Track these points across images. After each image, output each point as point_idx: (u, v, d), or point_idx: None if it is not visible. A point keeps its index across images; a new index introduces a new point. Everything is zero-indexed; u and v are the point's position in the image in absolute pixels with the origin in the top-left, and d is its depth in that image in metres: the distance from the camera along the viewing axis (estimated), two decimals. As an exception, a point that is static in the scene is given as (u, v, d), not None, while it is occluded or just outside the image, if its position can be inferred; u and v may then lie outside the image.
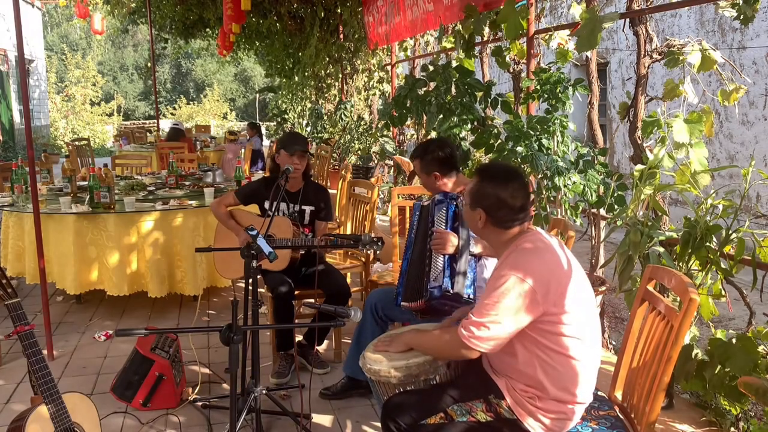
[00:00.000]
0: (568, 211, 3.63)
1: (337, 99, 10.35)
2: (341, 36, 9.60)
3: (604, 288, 3.43)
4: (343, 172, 5.71)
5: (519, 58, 4.68)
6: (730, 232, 2.71)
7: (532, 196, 3.34)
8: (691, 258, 2.83)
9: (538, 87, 3.84)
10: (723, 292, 2.86)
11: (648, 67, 3.41)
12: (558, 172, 3.47)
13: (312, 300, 3.63)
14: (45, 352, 3.64)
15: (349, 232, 4.46)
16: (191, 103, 29.46)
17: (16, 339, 2.80)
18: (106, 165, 6.55)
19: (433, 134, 4.69)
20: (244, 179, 5.21)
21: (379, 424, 2.37)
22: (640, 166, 3.12)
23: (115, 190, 4.80)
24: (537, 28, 4.19)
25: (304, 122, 11.88)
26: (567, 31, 4.31)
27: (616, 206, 3.46)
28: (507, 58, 4.71)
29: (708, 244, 2.75)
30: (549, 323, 1.90)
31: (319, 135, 10.19)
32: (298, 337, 3.73)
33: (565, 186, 3.48)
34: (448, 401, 2.05)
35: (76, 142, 9.50)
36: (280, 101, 14.03)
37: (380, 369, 2.11)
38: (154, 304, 4.60)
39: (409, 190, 4.74)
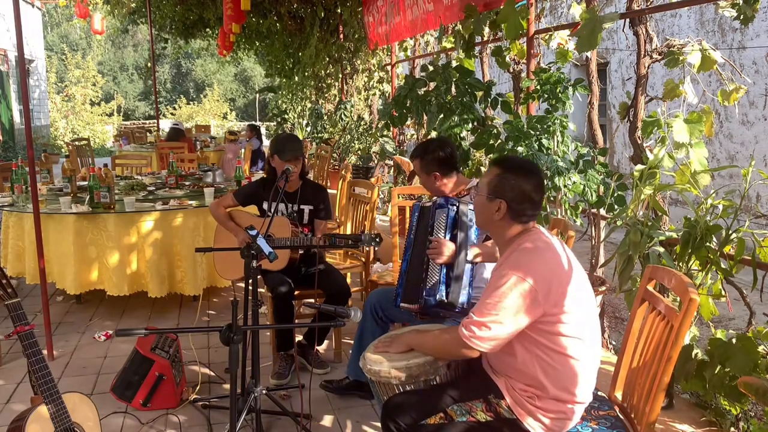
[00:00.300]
0: (568, 211, 3.63)
1: (337, 99, 10.35)
2: (341, 36, 9.60)
3: (604, 288, 3.43)
4: (343, 172, 5.70)
5: (519, 58, 4.68)
6: (730, 232, 2.71)
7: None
8: (691, 258, 2.83)
9: (538, 87, 3.84)
10: (723, 292, 2.86)
11: (648, 67, 3.41)
12: (558, 172, 3.47)
13: (312, 300, 3.63)
14: (45, 352, 3.64)
15: (349, 232, 4.45)
16: (191, 103, 29.44)
17: (16, 339, 2.80)
18: (106, 165, 6.54)
19: (433, 134, 4.68)
20: (244, 179, 5.20)
21: (379, 424, 2.37)
22: (640, 166, 3.11)
23: (115, 190, 4.80)
24: (537, 28, 4.19)
25: (304, 122, 11.88)
26: (567, 31, 4.31)
27: (616, 206, 3.46)
28: (507, 58, 4.71)
29: (708, 244, 2.75)
30: (549, 323, 1.90)
31: (319, 135, 10.19)
32: (298, 337, 3.73)
33: (565, 186, 3.48)
34: (448, 401, 2.05)
35: (76, 142, 9.50)
36: (280, 101, 14.01)
37: (380, 370, 2.11)
38: (154, 304, 4.60)
39: (409, 190, 4.73)
